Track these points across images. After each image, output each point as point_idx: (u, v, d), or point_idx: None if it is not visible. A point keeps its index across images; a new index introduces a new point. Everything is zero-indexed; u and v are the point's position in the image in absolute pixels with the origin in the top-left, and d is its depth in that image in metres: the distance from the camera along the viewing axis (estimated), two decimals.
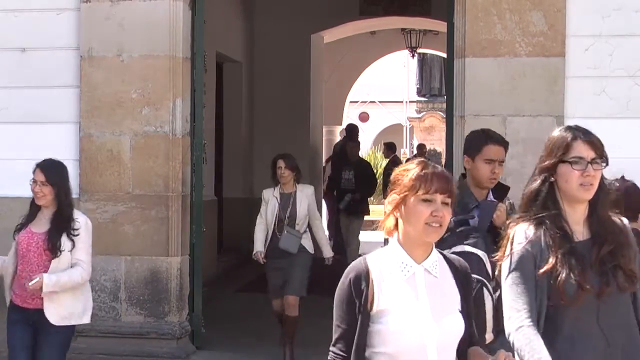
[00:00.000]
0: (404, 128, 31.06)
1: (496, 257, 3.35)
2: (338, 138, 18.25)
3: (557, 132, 3.32)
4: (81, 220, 5.38)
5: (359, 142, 13.22)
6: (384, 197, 3.10)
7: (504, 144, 4.72)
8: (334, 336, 2.96)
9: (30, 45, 7.56)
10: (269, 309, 7.84)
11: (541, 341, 3.13)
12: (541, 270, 3.17)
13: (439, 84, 26.88)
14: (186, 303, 7.55)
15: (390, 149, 17.42)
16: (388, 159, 17.08)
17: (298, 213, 7.58)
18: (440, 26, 12.41)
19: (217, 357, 7.54)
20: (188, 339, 7.59)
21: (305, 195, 7.67)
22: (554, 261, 3.16)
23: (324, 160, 16.56)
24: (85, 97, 7.43)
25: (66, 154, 7.51)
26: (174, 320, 7.40)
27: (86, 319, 5.56)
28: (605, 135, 7.32)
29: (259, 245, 7.64)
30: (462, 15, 6.99)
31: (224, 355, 7.64)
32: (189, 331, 7.58)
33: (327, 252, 7.85)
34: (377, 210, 15.07)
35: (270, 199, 7.65)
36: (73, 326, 5.48)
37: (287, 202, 7.60)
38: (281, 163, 7.59)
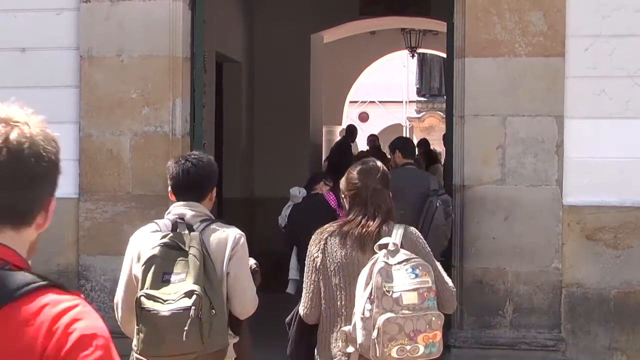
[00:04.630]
0: (404, 128, 31.05)
1: None
2: (338, 138, 18.28)
3: None
4: None
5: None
6: None
7: None
8: None
9: (30, 45, 7.56)
10: (270, 308, 7.72)
11: None
12: None
13: (438, 84, 26.84)
14: None
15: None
16: None
17: None
18: (440, 26, 12.40)
19: None
20: None
21: None
22: None
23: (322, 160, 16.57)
24: (85, 97, 7.43)
25: (66, 154, 7.44)
26: None
27: None
28: (605, 135, 7.30)
29: None
30: (461, 15, 6.99)
31: None
32: None
33: None
34: None
35: None
36: None
37: None
38: None
